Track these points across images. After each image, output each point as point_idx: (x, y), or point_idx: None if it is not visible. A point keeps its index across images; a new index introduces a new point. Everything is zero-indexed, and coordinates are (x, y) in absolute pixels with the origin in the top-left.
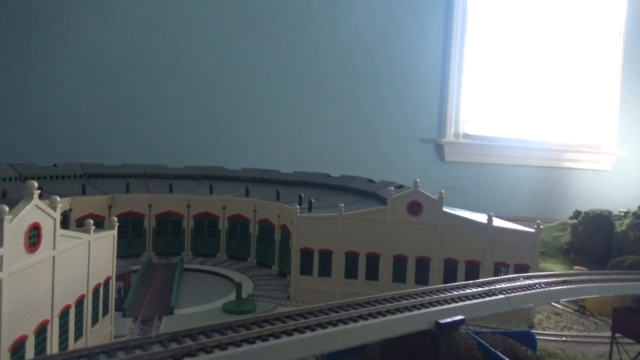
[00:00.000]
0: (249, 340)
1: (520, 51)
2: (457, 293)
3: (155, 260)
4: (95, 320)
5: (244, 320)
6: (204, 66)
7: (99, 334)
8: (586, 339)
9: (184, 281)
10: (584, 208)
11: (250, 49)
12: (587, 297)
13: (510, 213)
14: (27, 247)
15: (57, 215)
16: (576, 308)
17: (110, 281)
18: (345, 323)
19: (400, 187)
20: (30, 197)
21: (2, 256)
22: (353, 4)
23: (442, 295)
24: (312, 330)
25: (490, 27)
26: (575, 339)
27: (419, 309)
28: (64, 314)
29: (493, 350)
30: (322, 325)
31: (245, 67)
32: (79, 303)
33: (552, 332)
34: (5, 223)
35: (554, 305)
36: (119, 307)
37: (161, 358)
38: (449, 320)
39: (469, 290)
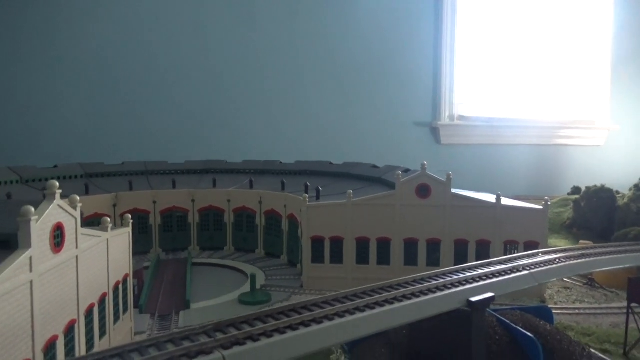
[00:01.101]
0: (292, 327)
1: (512, 31)
2: (483, 271)
3: (163, 256)
4: (117, 318)
5: (283, 307)
6: (200, 61)
7: (120, 331)
8: (598, 311)
9: (194, 275)
10: (580, 184)
11: (245, 41)
12: (606, 269)
13: (508, 192)
14: (53, 247)
15: (78, 215)
16: (585, 281)
17: (128, 278)
18: (382, 305)
19: (407, 171)
20: (52, 197)
21: (31, 257)
22: None
23: (470, 273)
24: (352, 314)
25: (482, 8)
26: (588, 312)
27: (449, 288)
28: (89, 312)
29: (514, 326)
30: (360, 309)
31: (240, 60)
32: (102, 301)
33: (564, 306)
34: (32, 224)
35: (564, 280)
36: (135, 304)
37: (211, 347)
38: (481, 297)
39: (493, 268)
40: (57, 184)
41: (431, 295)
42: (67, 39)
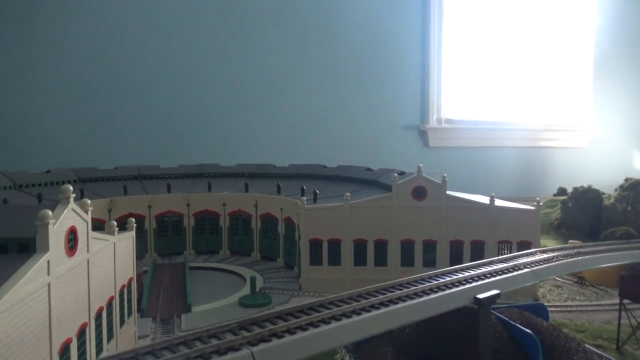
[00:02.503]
0: (314, 324)
1: (497, 36)
2: (487, 269)
3: (159, 260)
4: (122, 321)
5: (301, 306)
6: (193, 65)
7: (125, 335)
8: (590, 308)
9: (192, 279)
10: (564, 185)
11: (238, 46)
12: (602, 266)
13: (496, 193)
14: (67, 251)
15: (89, 218)
16: (575, 280)
17: (132, 282)
18: (395, 303)
19: (401, 173)
20: (66, 201)
21: (48, 260)
22: None
23: (474, 272)
24: (368, 311)
25: (468, 13)
26: (579, 309)
27: (456, 286)
28: (99, 315)
29: (513, 323)
30: (376, 307)
31: (234, 65)
32: (110, 305)
33: (557, 304)
34: (50, 227)
35: (555, 279)
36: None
37: (239, 344)
38: (487, 295)
39: (496, 267)
40: (71, 187)
41: (440, 293)
42: (59, 44)
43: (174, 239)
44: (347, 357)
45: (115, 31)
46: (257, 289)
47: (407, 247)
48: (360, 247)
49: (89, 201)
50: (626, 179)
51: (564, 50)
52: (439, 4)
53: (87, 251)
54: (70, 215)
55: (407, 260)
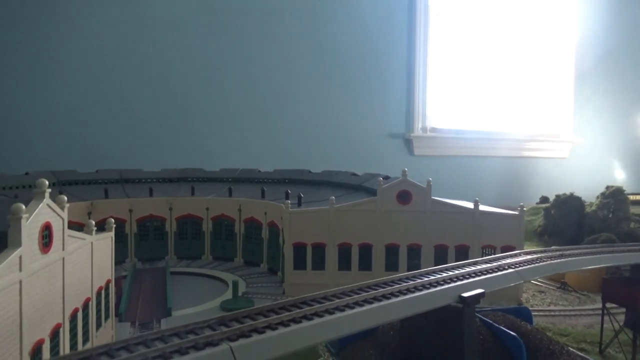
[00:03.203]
0: (295, 320)
1: (481, 46)
2: (472, 269)
3: (139, 265)
4: (99, 324)
5: (284, 302)
6: (178, 70)
7: (102, 338)
8: (573, 313)
9: (173, 284)
10: (547, 194)
11: (222, 51)
12: (586, 268)
13: (479, 202)
14: (41, 247)
15: (65, 216)
16: (558, 285)
17: (110, 284)
18: (380, 300)
19: (386, 178)
20: (41, 196)
21: (21, 256)
22: (321, 6)
23: (459, 271)
24: (352, 308)
25: (452, 24)
26: (562, 313)
27: (441, 284)
28: (74, 317)
29: (498, 326)
30: (360, 304)
31: (219, 69)
32: (86, 306)
33: (540, 309)
34: (22, 222)
35: (538, 284)
36: (114, 313)
37: (218, 339)
38: (472, 293)
39: (481, 266)
40: (47, 182)
41: (424, 291)
42: (38, 46)
43: (155, 244)
44: None
45: (96, 36)
46: (240, 294)
47: (391, 251)
48: (344, 251)
49: (66, 197)
50: (607, 187)
51: (546, 62)
52: (425, 14)
53: (63, 249)
54: (45, 211)
55: (391, 264)
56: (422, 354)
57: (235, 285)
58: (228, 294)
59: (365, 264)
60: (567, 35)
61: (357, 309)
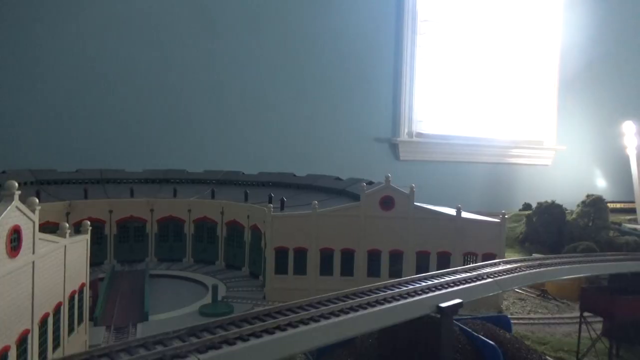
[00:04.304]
0: (269, 331)
1: (468, 53)
2: (450, 278)
3: (118, 268)
4: (71, 329)
5: (257, 312)
6: (161, 70)
7: (75, 343)
8: (552, 321)
9: (152, 287)
10: (530, 200)
11: (207, 52)
12: (565, 278)
13: (463, 208)
14: (9, 252)
15: (36, 219)
16: (538, 293)
17: (85, 288)
18: (356, 310)
19: (370, 183)
20: (10, 198)
21: None
22: (308, 10)
23: (438, 281)
24: (327, 318)
25: (440, 30)
26: (542, 322)
27: (419, 294)
28: (43, 322)
29: (476, 335)
30: (335, 314)
31: (204, 71)
32: (57, 311)
33: (520, 317)
34: None
35: (518, 292)
36: (89, 316)
37: (186, 351)
38: (450, 303)
39: (460, 276)
40: (16, 184)
41: (402, 301)
42: (21, 44)
43: (135, 246)
44: None
45: (78, 35)
46: (220, 298)
47: (373, 257)
48: (326, 256)
49: (37, 200)
50: (588, 195)
51: (531, 70)
52: (412, 20)
53: (33, 253)
54: (14, 214)
55: (373, 270)
56: None
57: (215, 289)
58: (208, 298)
59: (347, 269)
60: (551, 45)
61: (333, 319)
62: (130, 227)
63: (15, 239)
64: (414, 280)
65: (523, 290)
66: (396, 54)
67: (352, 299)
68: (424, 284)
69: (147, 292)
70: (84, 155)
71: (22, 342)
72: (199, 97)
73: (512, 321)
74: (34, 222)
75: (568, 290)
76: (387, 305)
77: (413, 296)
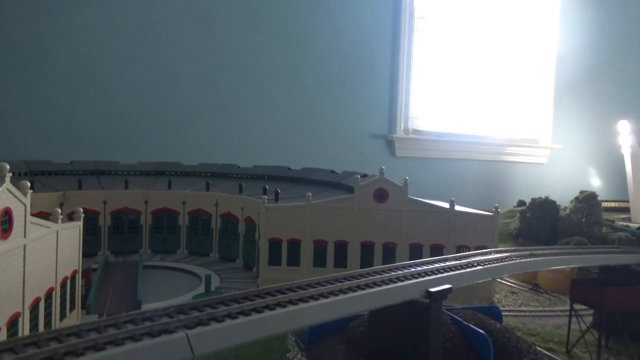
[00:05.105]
0: (257, 310)
1: (465, 51)
2: (441, 265)
3: (112, 259)
4: (63, 315)
5: (246, 293)
6: (157, 61)
7: None
8: (543, 313)
9: (146, 278)
10: (524, 198)
11: (205, 44)
12: (554, 268)
13: (458, 204)
14: (0, 233)
15: (28, 202)
16: (530, 286)
17: (77, 275)
18: (345, 293)
19: (364, 176)
20: (1, 179)
21: None
22: (306, 6)
23: (428, 267)
24: (316, 299)
25: (437, 28)
26: (533, 314)
27: (409, 279)
28: (35, 306)
29: (466, 324)
30: (325, 296)
31: (200, 63)
32: (48, 296)
33: (511, 309)
34: None
35: (511, 285)
36: (82, 305)
37: (174, 327)
38: (439, 288)
39: (450, 263)
40: (7, 166)
41: (391, 285)
42: (15, 36)
43: (129, 237)
44: (300, 355)
45: (74, 27)
46: (213, 289)
47: (367, 249)
48: (320, 248)
49: (29, 183)
50: (581, 192)
51: (528, 70)
52: (410, 17)
53: (24, 236)
54: (4, 196)
55: (366, 262)
56: (390, 349)
57: (208, 279)
58: (201, 289)
59: (341, 261)
60: (548, 44)
61: (321, 301)
62: (125, 218)
63: (6, 221)
64: (404, 266)
65: (515, 283)
66: (393, 50)
67: (341, 282)
68: (413, 269)
69: (140, 281)
70: (78, 147)
71: (12, 324)
72: (195, 90)
73: (504, 313)
74: (25, 206)
75: (560, 283)
76: (377, 289)
77: (403, 281)
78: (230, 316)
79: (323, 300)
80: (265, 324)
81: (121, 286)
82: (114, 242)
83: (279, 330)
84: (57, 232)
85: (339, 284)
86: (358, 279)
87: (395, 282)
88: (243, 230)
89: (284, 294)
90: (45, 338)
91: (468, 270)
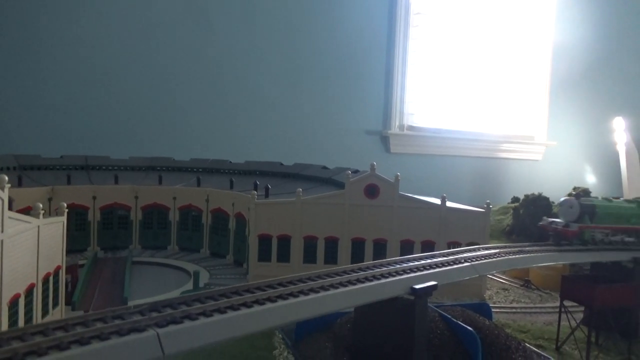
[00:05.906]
0: (234, 307)
1: (461, 47)
2: (427, 261)
3: (102, 254)
4: (45, 312)
5: (224, 289)
6: (148, 55)
7: None
8: (533, 310)
9: (135, 274)
10: (519, 195)
11: (197, 39)
12: (543, 264)
13: (452, 201)
14: None
15: (6, 196)
16: (522, 283)
17: (60, 271)
18: (327, 289)
19: (356, 171)
20: None
21: None
22: (301, 1)
23: (413, 263)
24: (296, 296)
25: (433, 23)
26: (523, 311)
27: (394, 276)
28: (14, 303)
29: (455, 320)
30: (305, 293)
31: (192, 58)
32: (29, 292)
33: (502, 305)
34: None
35: (502, 282)
36: (67, 301)
37: (145, 325)
38: (424, 285)
39: (436, 259)
40: None
41: (375, 282)
42: (4, 27)
43: (119, 233)
44: (286, 353)
45: (64, 18)
46: (202, 285)
47: (357, 245)
48: (310, 244)
49: (6, 177)
50: (574, 188)
51: (524, 66)
52: (405, 12)
53: (1, 231)
54: None
55: (357, 258)
56: (375, 346)
57: (197, 275)
58: (189, 285)
59: (331, 257)
60: (544, 41)
61: (302, 298)
62: (115, 214)
63: None
64: (390, 263)
65: (507, 280)
66: (388, 46)
67: (324, 279)
68: (399, 266)
69: (127, 277)
70: (68, 141)
71: None
72: (188, 85)
73: (494, 310)
74: (2, 200)
75: (551, 280)
76: (361, 285)
77: (387, 277)
78: (204, 314)
79: (303, 298)
80: (241, 321)
81: (109, 282)
82: (103, 237)
83: (255, 329)
84: (39, 227)
85: (321, 280)
86: (341, 275)
87: (379, 279)
88: (233, 226)
89: (264, 290)
90: (6, 337)
91: (455, 266)
